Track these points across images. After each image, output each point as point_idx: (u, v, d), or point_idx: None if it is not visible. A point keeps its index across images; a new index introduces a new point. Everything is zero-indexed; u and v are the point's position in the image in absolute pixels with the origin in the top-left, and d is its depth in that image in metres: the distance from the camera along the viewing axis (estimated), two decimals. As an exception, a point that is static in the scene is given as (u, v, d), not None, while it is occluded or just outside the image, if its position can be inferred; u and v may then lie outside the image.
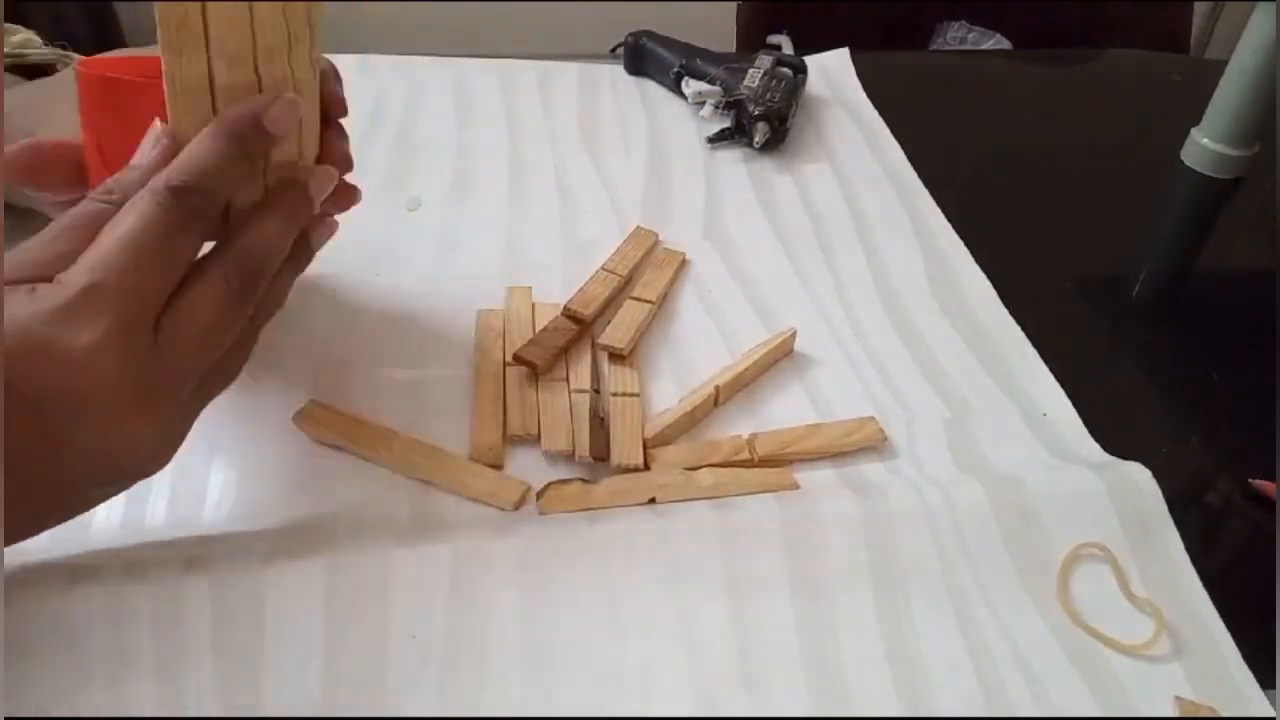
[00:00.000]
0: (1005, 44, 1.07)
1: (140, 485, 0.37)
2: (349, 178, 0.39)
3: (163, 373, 0.29)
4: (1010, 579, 0.36)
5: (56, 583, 0.32)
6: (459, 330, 0.45)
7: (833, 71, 0.71)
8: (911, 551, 0.36)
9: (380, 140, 0.60)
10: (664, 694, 0.32)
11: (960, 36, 1.08)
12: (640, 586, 0.34)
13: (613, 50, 0.71)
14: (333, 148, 0.37)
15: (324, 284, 0.47)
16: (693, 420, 0.41)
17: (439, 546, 0.34)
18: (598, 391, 0.42)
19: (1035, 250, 0.56)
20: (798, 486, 0.38)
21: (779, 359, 0.45)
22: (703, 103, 0.64)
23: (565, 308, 0.45)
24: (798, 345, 0.46)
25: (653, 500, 0.37)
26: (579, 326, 0.45)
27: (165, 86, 0.31)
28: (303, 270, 0.37)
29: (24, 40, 0.48)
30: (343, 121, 0.39)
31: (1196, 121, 0.64)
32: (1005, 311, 0.49)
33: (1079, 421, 0.42)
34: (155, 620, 0.32)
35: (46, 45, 0.49)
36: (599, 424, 0.40)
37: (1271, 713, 0.32)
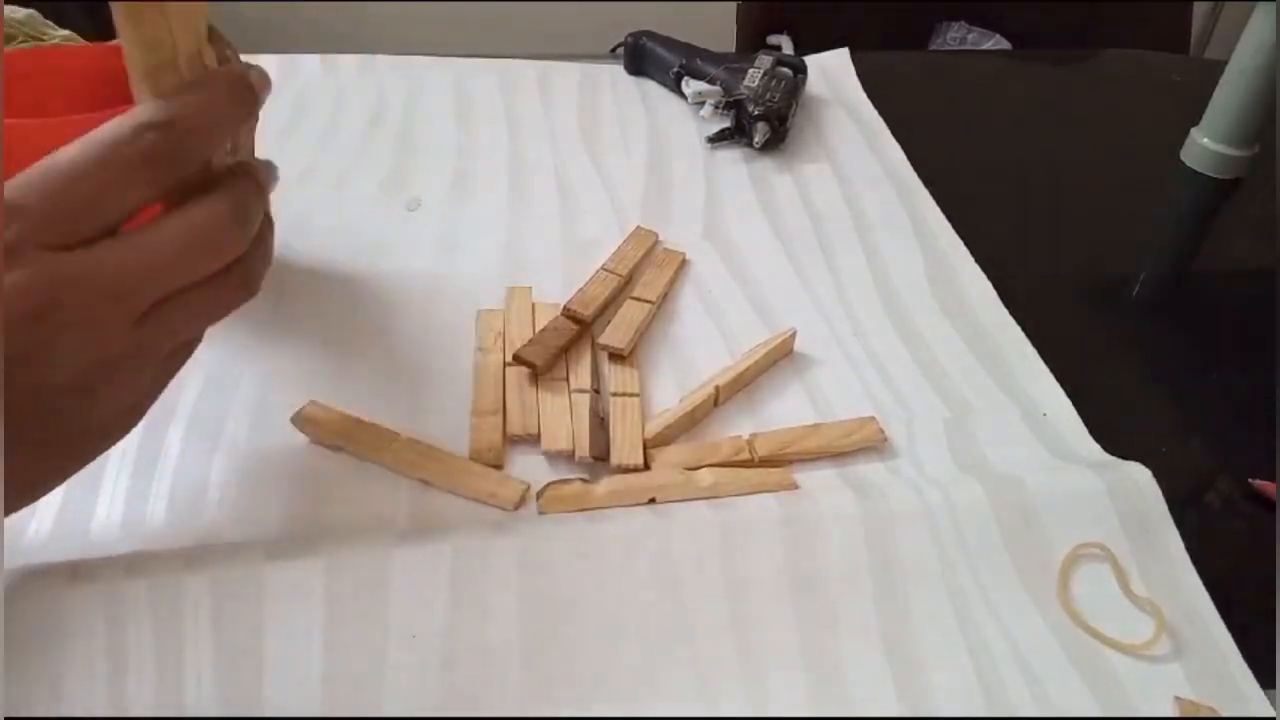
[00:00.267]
0: (1005, 44, 1.07)
1: (140, 485, 0.37)
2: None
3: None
4: (1010, 579, 0.36)
5: (56, 583, 0.32)
6: (459, 330, 0.45)
7: (833, 71, 0.71)
8: (911, 551, 0.36)
9: (380, 140, 0.60)
10: (664, 694, 0.32)
11: (960, 37, 1.08)
12: (640, 586, 0.34)
13: (613, 50, 0.71)
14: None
15: (324, 284, 0.47)
16: (693, 420, 0.41)
17: (439, 546, 0.34)
18: (598, 391, 0.42)
19: (1035, 250, 0.56)
20: (797, 486, 0.38)
21: (779, 359, 0.45)
22: (703, 103, 0.64)
23: (565, 308, 0.45)
24: (798, 345, 0.46)
25: (653, 500, 0.37)
26: (579, 326, 0.45)
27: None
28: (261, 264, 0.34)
29: (28, 16, 0.48)
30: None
31: (1196, 121, 0.64)
32: (1005, 311, 0.49)
33: (1079, 421, 0.42)
34: (155, 619, 0.32)
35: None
36: (599, 424, 0.40)
37: (1271, 713, 0.32)
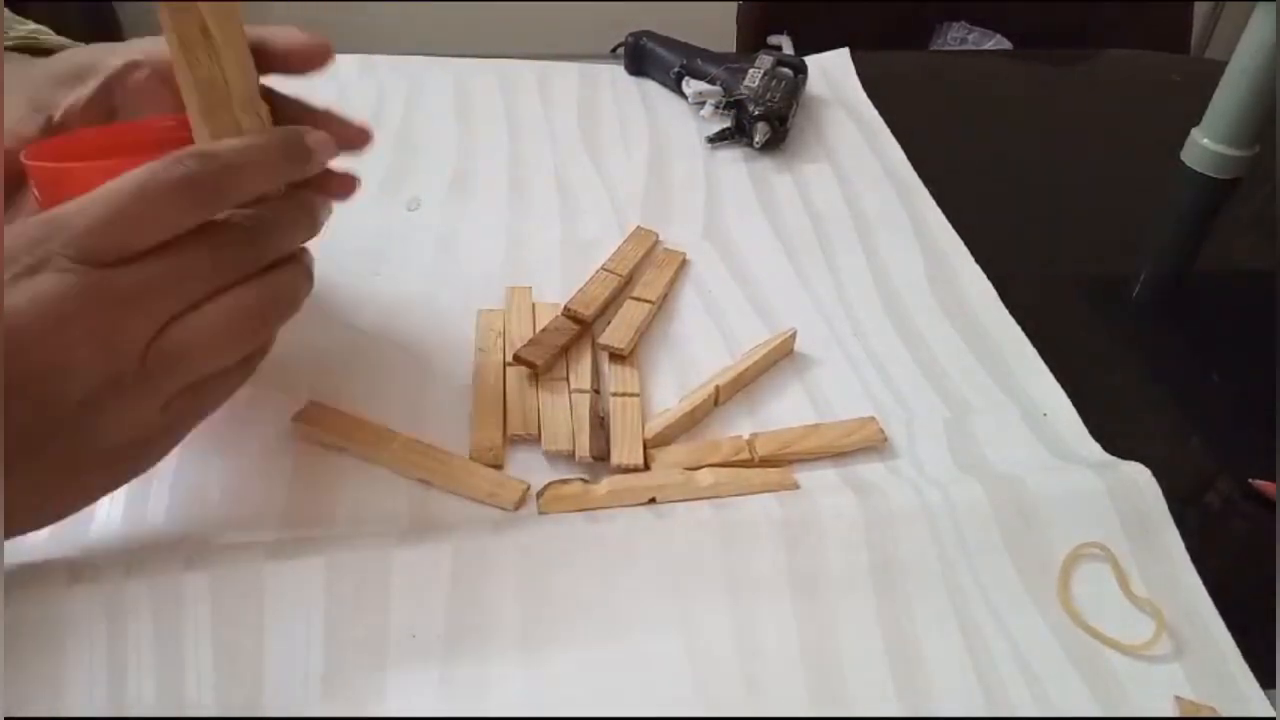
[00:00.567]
0: (1005, 44, 1.07)
1: (140, 485, 0.37)
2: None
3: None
4: (1010, 579, 0.36)
5: (56, 582, 0.32)
6: (459, 330, 0.45)
7: (833, 71, 0.71)
8: (911, 551, 0.36)
9: (380, 140, 0.59)
10: (664, 694, 0.32)
11: (960, 37, 1.08)
12: (640, 586, 0.34)
13: (613, 50, 0.71)
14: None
15: (324, 284, 0.47)
16: (693, 420, 0.41)
17: (439, 546, 0.34)
18: (598, 391, 0.42)
19: (1035, 250, 0.56)
20: (798, 486, 0.38)
21: (779, 359, 0.45)
22: (703, 103, 0.64)
23: (565, 308, 0.45)
24: (798, 345, 0.46)
25: (653, 500, 0.37)
26: (579, 326, 0.45)
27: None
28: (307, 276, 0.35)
29: (35, 30, 0.48)
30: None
31: (1196, 121, 0.64)
32: (1005, 311, 0.49)
33: (1079, 421, 0.42)
34: (155, 619, 0.32)
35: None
36: (599, 424, 0.40)
37: (1271, 713, 0.32)
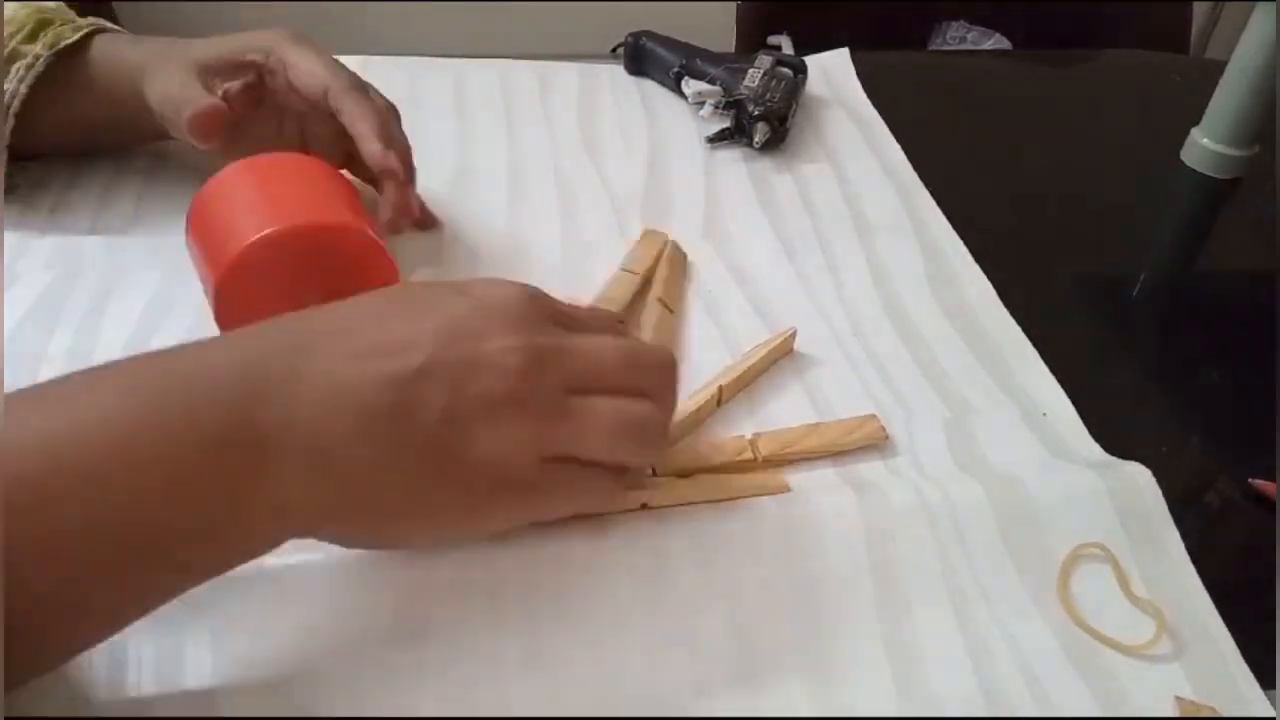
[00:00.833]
0: (1005, 44, 1.07)
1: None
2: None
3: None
4: (1010, 579, 0.36)
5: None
6: (459, 330, 0.45)
7: (833, 71, 0.71)
8: (911, 551, 0.36)
9: (380, 140, 0.60)
10: (664, 694, 0.32)
11: (960, 36, 1.08)
12: (639, 588, 0.34)
13: (613, 50, 0.71)
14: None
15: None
16: (697, 420, 0.41)
17: (440, 547, 0.34)
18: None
19: (1035, 250, 0.56)
20: (788, 489, 0.38)
21: (779, 359, 0.45)
22: (703, 103, 0.64)
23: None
24: (798, 345, 0.46)
25: (644, 506, 0.37)
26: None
27: None
28: None
29: (93, 22, 0.48)
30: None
31: (1196, 121, 0.64)
32: (1005, 311, 0.49)
33: (1079, 421, 0.43)
34: (155, 619, 0.32)
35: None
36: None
37: (1271, 713, 0.32)
